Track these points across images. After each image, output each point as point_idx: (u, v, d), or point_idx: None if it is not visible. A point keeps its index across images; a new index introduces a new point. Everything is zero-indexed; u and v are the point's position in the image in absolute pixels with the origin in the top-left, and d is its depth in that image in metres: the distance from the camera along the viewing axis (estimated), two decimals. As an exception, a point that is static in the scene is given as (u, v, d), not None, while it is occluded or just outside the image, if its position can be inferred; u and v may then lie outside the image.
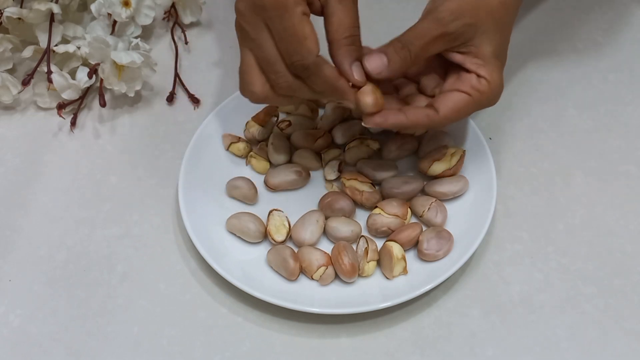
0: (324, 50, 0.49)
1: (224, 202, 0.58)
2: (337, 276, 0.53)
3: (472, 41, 0.51)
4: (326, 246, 0.55)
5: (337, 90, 0.49)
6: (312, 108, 0.63)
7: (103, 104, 0.63)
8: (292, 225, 0.55)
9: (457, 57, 0.51)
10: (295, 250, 0.54)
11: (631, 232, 0.56)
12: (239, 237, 0.56)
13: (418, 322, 0.52)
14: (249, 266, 0.54)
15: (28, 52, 0.65)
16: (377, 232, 0.55)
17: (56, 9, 0.65)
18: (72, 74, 0.64)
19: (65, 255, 0.57)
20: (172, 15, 0.73)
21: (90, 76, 0.63)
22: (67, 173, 0.62)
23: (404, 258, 0.53)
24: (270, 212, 0.56)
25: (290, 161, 0.60)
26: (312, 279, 0.53)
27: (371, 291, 0.52)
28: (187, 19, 0.72)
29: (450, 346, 0.51)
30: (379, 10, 0.74)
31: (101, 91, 0.63)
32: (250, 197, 0.58)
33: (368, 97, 0.50)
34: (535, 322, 0.52)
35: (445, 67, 0.54)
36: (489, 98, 0.52)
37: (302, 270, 0.53)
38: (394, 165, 0.59)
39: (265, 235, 0.55)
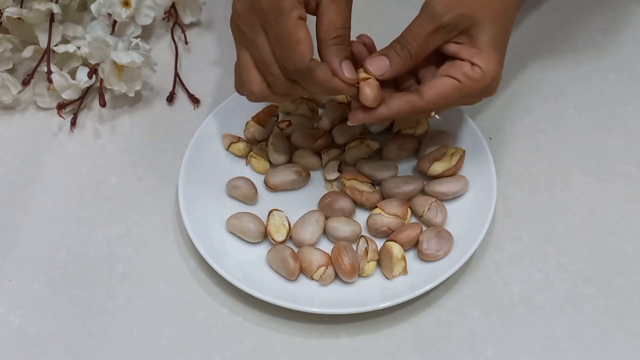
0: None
1: (224, 202, 0.58)
2: (337, 276, 0.53)
3: (467, 32, 0.50)
4: (326, 246, 0.55)
5: (332, 91, 0.50)
6: (312, 108, 0.63)
7: (103, 104, 0.63)
8: (292, 225, 0.55)
9: (453, 48, 0.51)
10: (295, 250, 0.54)
11: (631, 232, 0.56)
12: (239, 237, 0.56)
13: (418, 322, 0.52)
14: (249, 266, 0.54)
15: (28, 52, 0.65)
16: (377, 232, 0.55)
17: (56, 9, 0.65)
18: (72, 74, 0.64)
19: (65, 255, 0.57)
20: (172, 15, 0.73)
21: (90, 76, 0.63)
22: (67, 173, 0.62)
23: (404, 258, 0.53)
24: (270, 212, 0.56)
25: (290, 161, 0.60)
26: (312, 279, 0.53)
27: (371, 291, 0.52)
28: (187, 19, 0.72)
29: (450, 346, 0.51)
30: (379, 10, 0.74)
31: (101, 91, 0.63)
32: (250, 197, 0.58)
33: (369, 88, 0.50)
34: (535, 322, 0.52)
35: (443, 59, 0.53)
36: (482, 87, 0.50)
37: (302, 270, 0.53)
38: (394, 165, 0.59)
39: (265, 235, 0.55)
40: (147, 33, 0.72)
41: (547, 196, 0.59)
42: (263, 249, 0.55)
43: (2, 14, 0.66)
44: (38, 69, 0.64)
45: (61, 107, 0.64)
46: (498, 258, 0.55)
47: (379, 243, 0.54)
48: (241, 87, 0.53)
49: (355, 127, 0.60)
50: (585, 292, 0.53)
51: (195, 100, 0.67)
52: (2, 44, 0.66)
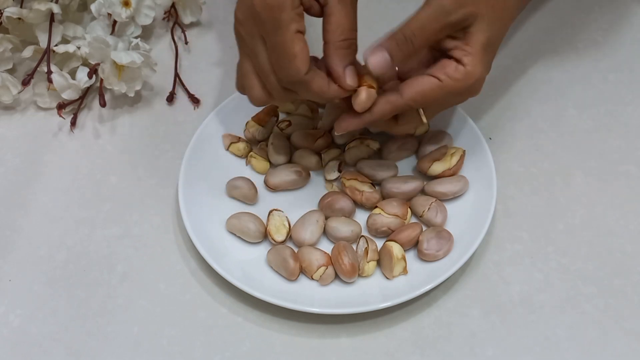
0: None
1: (224, 202, 0.58)
2: (337, 276, 0.53)
3: (468, 28, 0.50)
4: (326, 246, 0.55)
5: (328, 100, 0.50)
6: (312, 108, 0.63)
7: (103, 104, 0.63)
8: (292, 225, 0.55)
9: (450, 44, 0.50)
10: (295, 250, 0.54)
11: (631, 232, 0.56)
12: (239, 237, 0.56)
13: (418, 322, 0.52)
14: (249, 266, 0.54)
15: (28, 52, 0.65)
16: (377, 232, 0.55)
17: (56, 9, 0.65)
18: (72, 74, 0.64)
19: (65, 255, 0.57)
20: (172, 15, 0.73)
21: (90, 76, 0.63)
22: (67, 173, 0.62)
23: (404, 258, 0.53)
24: (270, 212, 0.56)
25: (290, 161, 0.60)
26: (312, 279, 0.53)
27: (371, 291, 0.52)
28: (187, 19, 0.72)
29: (450, 346, 0.51)
30: (379, 10, 0.74)
31: (101, 91, 0.63)
32: (250, 197, 0.58)
33: (365, 96, 0.50)
34: (535, 322, 0.52)
35: (433, 54, 0.53)
36: (464, 87, 0.50)
37: (302, 270, 0.53)
38: (394, 165, 0.59)
39: (265, 235, 0.55)
40: (147, 33, 0.72)
41: (547, 196, 0.59)
42: (263, 249, 0.55)
43: (2, 14, 0.66)
44: (38, 69, 0.64)
45: (61, 107, 0.64)
46: (498, 258, 0.55)
47: (379, 243, 0.54)
48: (242, 90, 0.53)
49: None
50: (585, 292, 0.53)
51: (195, 100, 0.67)
52: (2, 44, 0.66)
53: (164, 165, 0.62)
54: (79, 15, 0.72)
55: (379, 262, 0.54)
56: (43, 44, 0.65)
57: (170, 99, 0.67)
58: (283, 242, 0.54)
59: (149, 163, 0.62)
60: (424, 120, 0.53)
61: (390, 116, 0.52)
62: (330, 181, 0.59)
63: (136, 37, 0.68)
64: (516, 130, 0.63)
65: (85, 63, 0.66)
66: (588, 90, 0.66)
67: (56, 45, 0.65)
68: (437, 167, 0.57)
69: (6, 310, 0.54)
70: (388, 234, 0.55)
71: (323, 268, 0.52)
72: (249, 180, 0.58)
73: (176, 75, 0.68)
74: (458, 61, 0.50)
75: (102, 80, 0.63)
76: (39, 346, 0.52)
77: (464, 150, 0.58)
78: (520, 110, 0.64)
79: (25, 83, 0.64)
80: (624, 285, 0.53)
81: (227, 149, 0.61)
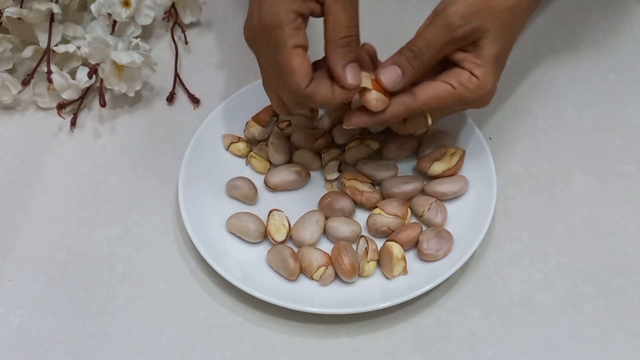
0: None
1: (224, 202, 0.58)
2: (337, 276, 0.53)
3: (477, 42, 0.51)
4: (326, 246, 0.55)
5: (336, 105, 0.51)
6: (312, 108, 0.62)
7: (103, 104, 0.63)
8: (292, 225, 0.55)
9: (459, 56, 0.51)
10: (295, 250, 0.54)
11: (631, 232, 0.56)
12: (239, 237, 0.56)
13: (418, 322, 0.52)
14: (249, 266, 0.54)
15: (28, 52, 0.65)
16: (377, 232, 0.55)
17: (56, 9, 0.65)
18: (72, 74, 0.64)
19: (65, 255, 0.57)
20: (172, 15, 0.73)
21: (90, 76, 0.63)
22: (67, 173, 0.62)
23: (404, 258, 0.53)
24: (270, 212, 0.56)
25: (290, 161, 0.60)
26: (312, 279, 0.53)
27: (371, 291, 0.52)
28: (187, 19, 0.72)
29: (450, 346, 0.51)
30: (379, 10, 0.74)
31: (101, 91, 0.63)
32: (250, 197, 0.58)
33: (375, 97, 0.50)
34: (535, 322, 0.52)
35: (442, 63, 0.53)
36: (475, 97, 0.51)
37: (302, 270, 0.53)
38: (394, 165, 0.59)
39: (265, 235, 0.55)
40: (147, 33, 0.72)
41: (547, 196, 0.59)
42: (263, 249, 0.55)
43: (2, 14, 0.66)
44: (38, 69, 0.64)
45: (61, 107, 0.64)
46: (498, 258, 0.55)
47: (379, 243, 0.54)
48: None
49: (355, 127, 0.60)
50: (585, 292, 0.53)
51: (195, 100, 0.67)
52: (2, 44, 0.66)
53: (164, 165, 0.62)
54: (79, 15, 0.72)
55: (379, 262, 0.54)
56: (43, 44, 0.65)
57: (170, 99, 0.67)
58: (283, 242, 0.54)
59: (149, 163, 0.62)
60: (430, 122, 0.53)
61: (402, 118, 0.53)
62: (330, 181, 0.59)
63: (136, 37, 0.68)
64: (516, 130, 0.63)
65: (85, 63, 0.66)
66: (588, 90, 0.66)
67: (56, 45, 0.65)
68: (437, 167, 0.57)
69: (6, 310, 0.54)
70: (388, 234, 0.55)
71: (323, 268, 0.52)
72: (249, 180, 0.58)
73: (176, 75, 0.68)
74: (470, 72, 0.51)
75: (102, 80, 0.63)
76: (39, 346, 0.52)
77: (464, 150, 0.58)
78: (520, 110, 0.64)
79: (25, 83, 0.64)
80: (624, 285, 0.53)
81: (227, 149, 0.61)
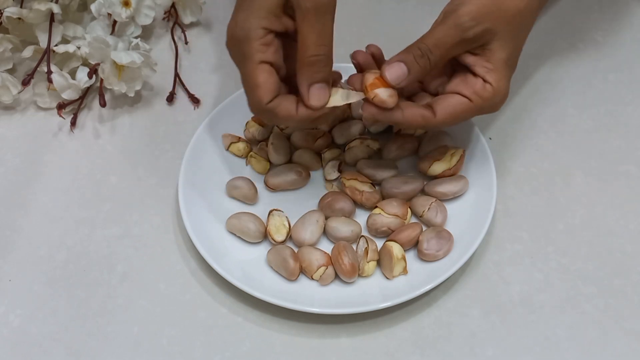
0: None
1: (224, 202, 0.58)
2: (337, 276, 0.53)
3: (487, 45, 0.50)
4: (326, 246, 0.55)
5: (301, 124, 0.51)
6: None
7: (103, 104, 0.63)
8: (292, 225, 0.55)
9: (469, 59, 0.51)
10: (295, 250, 0.54)
11: (631, 232, 0.56)
12: (239, 237, 0.56)
13: (418, 322, 0.52)
14: (249, 266, 0.54)
15: (28, 52, 0.65)
16: (377, 232, 0.55)
17: (56, 9, 0.65)
18: (72, 74, 0.64)
19: (65, 255, 0.57)
20: (172, 15, 0.73)
21: (90, 76, 0.63)
22: (67, 173, 0.62)
23: (404, 258, 0.53)
24: (270, 212, 0.56)
25: (290, 161, 0.60)
26: (312, 279, 0.53)
27: (371, 291, 0.52)
28: (187, 19, 0.72)
29: (450, 346, 0.51)
30: (379, 10, 0.74)
31: (101, 91, 0.63)
32: (250, 197, 0.58)
33: (386, 94, 0.50)
34: (535, 322, 0.52)
35: (453, 65, 0.53)
36: (490, 104, 0.51)
37: (302, 270, 0.53)
38: (394, 165, 0.59)
39: (265, 235, 0.55)
40: (147, 33, 0.72)
41: (547, 196, 0.59)
42: (263, 249, 0.55)
43: (2, 14, 0.66)
44: (38, 69, 0.64)
45: (61, 107, 0.64)
46: (498, 258, 0.55)
47: (379, 243, 0.54)
48: None
49: (355, 127, 0.60)
50: (585, 292, 0.53)
51: (195, 100, 0.67)
52: (2, 44, 0.66)
53: (164, 165, 0.62)
54: (79, 15, 0.72)
55: (379, 262, 0.54)
56: (43, 44, 0.65)
57: (170, 99, 0.67)
58: (283, 242, 0.54)
59: (149, 163, 0.62)
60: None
61: (417, 129, 0.53)
62: (330, 181, 0.59)
63: (136, 37, 0.68)
64: (516, 130, 0.63)
65: (85, 63, 0.66)
66: (588, 90, 0.66)
67: (56, 45, 0.65)
68: (437, 167, 0.57)
69: (6, 310, 0.54)
70: (388, 234, 0.55)
71: (323, 268, 0.52)
72: (249, 180, 0.58)
73: (176, 75, 0.68)
74: (482, 78, 0.50)
75: (102, 80, 0.63)
76: (39, 346, 0.52)
77: (464, 150, 0.58)
78: (520, 110, 0.64)
79: (25, 83, 0.64)
80: (624, 285, 0.53)
81: (227, 149, 0.61)
